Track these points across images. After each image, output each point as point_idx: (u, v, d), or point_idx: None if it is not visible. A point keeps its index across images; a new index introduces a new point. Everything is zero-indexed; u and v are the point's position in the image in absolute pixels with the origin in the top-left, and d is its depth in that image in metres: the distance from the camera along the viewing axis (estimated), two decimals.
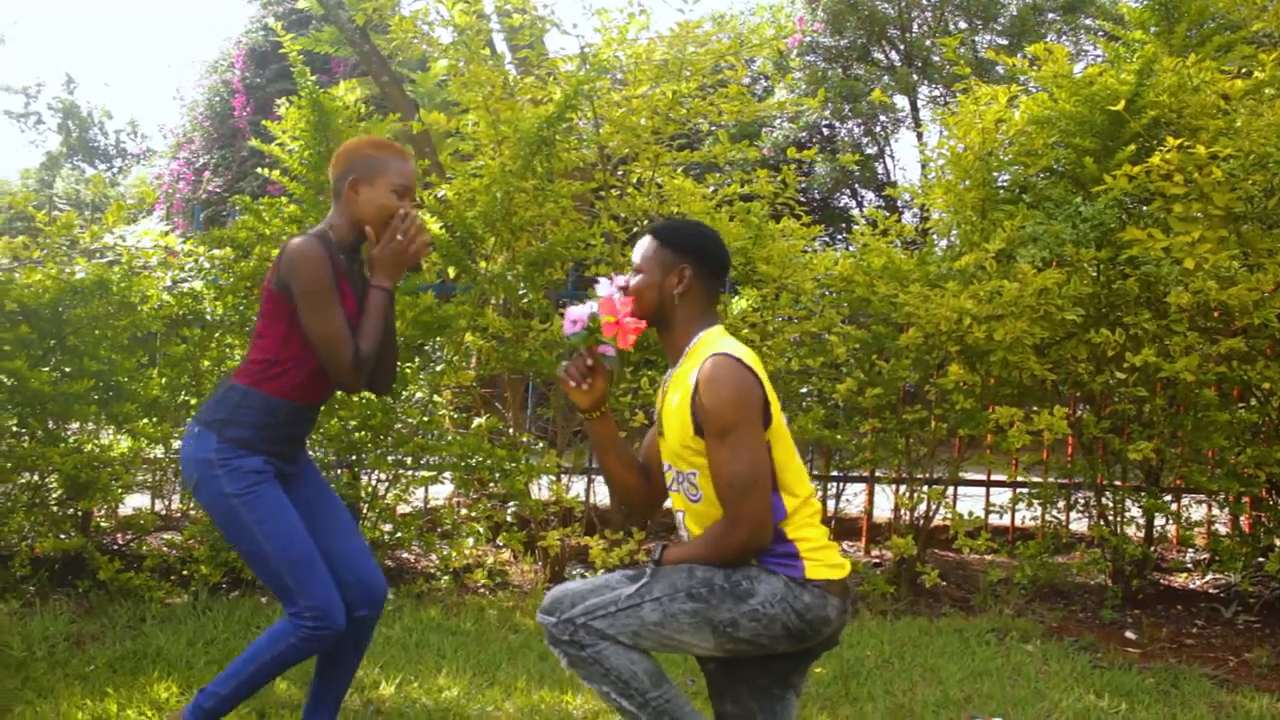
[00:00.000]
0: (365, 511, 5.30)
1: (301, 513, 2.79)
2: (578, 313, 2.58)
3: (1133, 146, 5.22)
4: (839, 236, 15.63)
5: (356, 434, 5.19)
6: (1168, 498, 5.83)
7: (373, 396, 5.24)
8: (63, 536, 4.81)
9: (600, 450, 2.73)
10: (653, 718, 2.44)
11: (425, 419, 5.36)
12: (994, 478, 6.50)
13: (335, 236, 2.77)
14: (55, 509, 4.96)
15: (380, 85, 7.68)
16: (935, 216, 6.18)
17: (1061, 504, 5.87)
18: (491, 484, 5.57)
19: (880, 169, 16.10)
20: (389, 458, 5.25)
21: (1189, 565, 6.09)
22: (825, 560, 2.50)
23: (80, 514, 5.05)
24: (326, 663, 2.90)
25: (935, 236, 6.25)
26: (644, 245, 2.65)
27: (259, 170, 5.53)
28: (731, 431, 2.41)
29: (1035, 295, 5.00)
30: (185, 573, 4.89)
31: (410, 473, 5.37)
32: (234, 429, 2.69)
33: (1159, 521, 5.75)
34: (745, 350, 2.51)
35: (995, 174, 5.78)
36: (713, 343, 2.54)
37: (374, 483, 5.37)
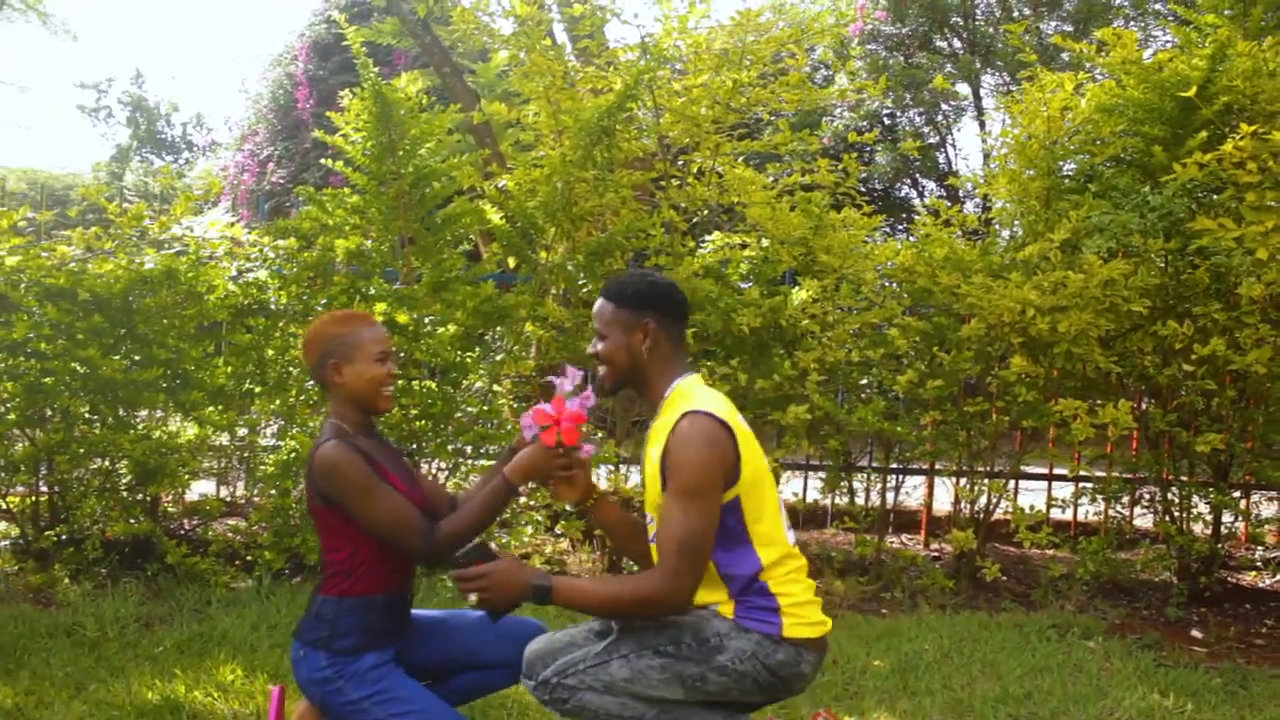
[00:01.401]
0: None
1: (432, 652, 2.77)
2: (528, 420, 2.59)
3: (1204, 134, 5.10)
4: (900, 227, 15.48)
5: (417, 423, 5.25)
6: (1236, 494, 5.70)
7: (432, 385, 5.31)
8: (132, 521, 4.92)
9: (610, 534, 2.73)
10: None
11: (485, 408, 5.40)
12: (1056, 472, 6.41)
13: (347, 424, 2.67)
14: (125, 494, 5.08)
15: (441, 76, 7.75)
16: (998, 206, 6.10)
17: (1126, 499, 5.78)
18: None
19: (942, 158, 15.90)
20: (449, 446, 5.31)
21: (1258, 563, 5.96)
22: (805, 618, 2.46)
23: (149, 499, 5.16)
24: None
25: (998, 227, 6.16)
26: (601, 309, 2.60)
27: (322, 161, 5.62)
28: (693, 494, 2.35)
29: (1101, 286, 4.92)
30: (249, 558, 4.99)
31: (470, 461, 5.42)
32: (341, 640, 2.62)
33: (1227, 518, 5.64)
34: (719, 402, 2.47)
35: (1060, 163, 5.68)
36: (688, 395, 2.49)
37: (434, 471, 5.43)
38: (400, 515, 2.51)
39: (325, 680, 2.59)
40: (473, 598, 2.39)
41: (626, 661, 2.44)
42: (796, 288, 5.53)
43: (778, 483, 5.73)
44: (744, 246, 5.81)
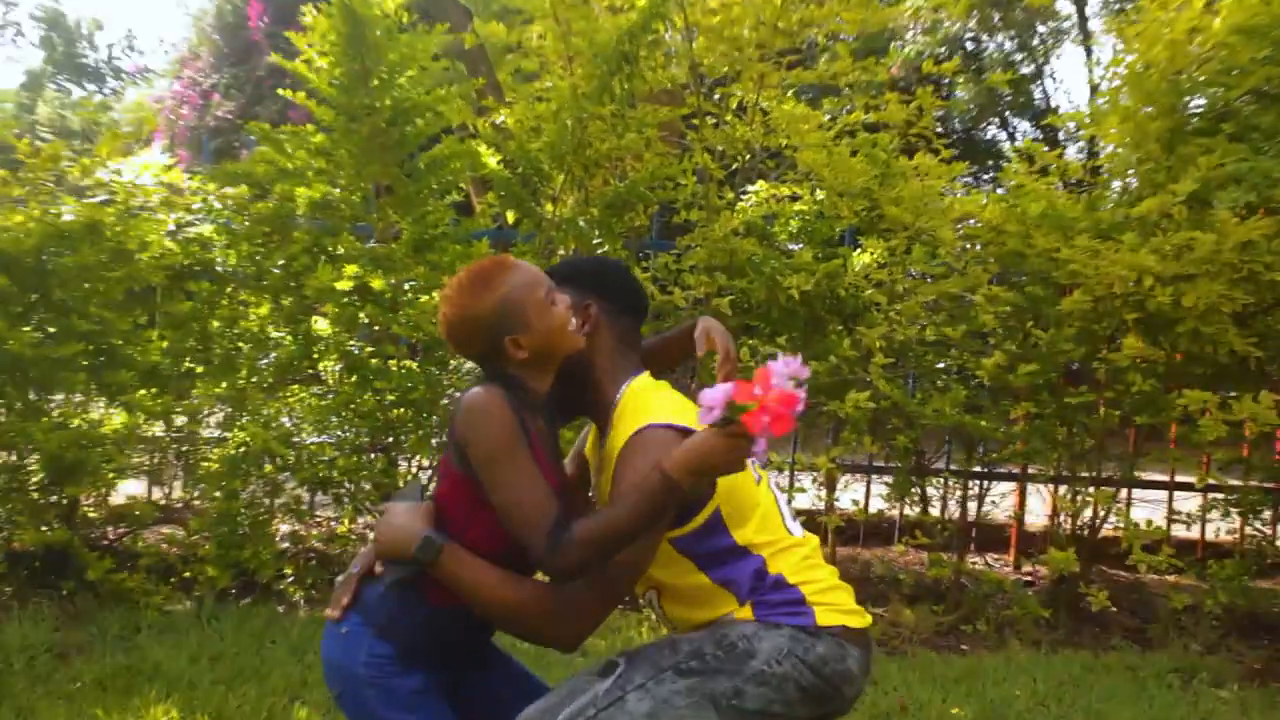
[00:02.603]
0: None
1: (485, 703, 2.75)
2: (715, 398, 2.50)
3: None
4: (986, 176, 15.40)
5: (394, 411, 5.23)
6: None
7: (412, 365, 5.29)
8: (45, 529, 4.92)
9: None
10: None
11: None
12: (1179, 479, 6.35)
13: (527, 387, 2.59)
14: (36, 495, 5.08)
15: None
16: (1108, 151, 6.04)
17: (1267, 514, 5.72)
18: None
19: (1038, 92, 15.79)
20: (432, 440, 5.29)
21: None
22: (839, 604, 2.47)
23: (66, 502, 5.16)
24: None
25: (1108, 176, 6.10)
26: None
27: (279, 92, 5.57)
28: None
29: (1236, 250, 4.85)
30: (188, 575, 4.98)
31: None
32: (390, 640, 2.59)
33: None
34: (677, 405, 2.47)
35: (1186, 98, 5.61)
36: (642, 404, 2.50)
37: (414, 470, 5.41)
38: (537, 501, 2.40)
39: (355, 678, 2.58)
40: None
41: (645, 692, 2.42)
42: (858, 250, 5.48)
43: (834, 489, 5.71)
44: (794, 199, 5.77)
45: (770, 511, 2.53)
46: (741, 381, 2.36)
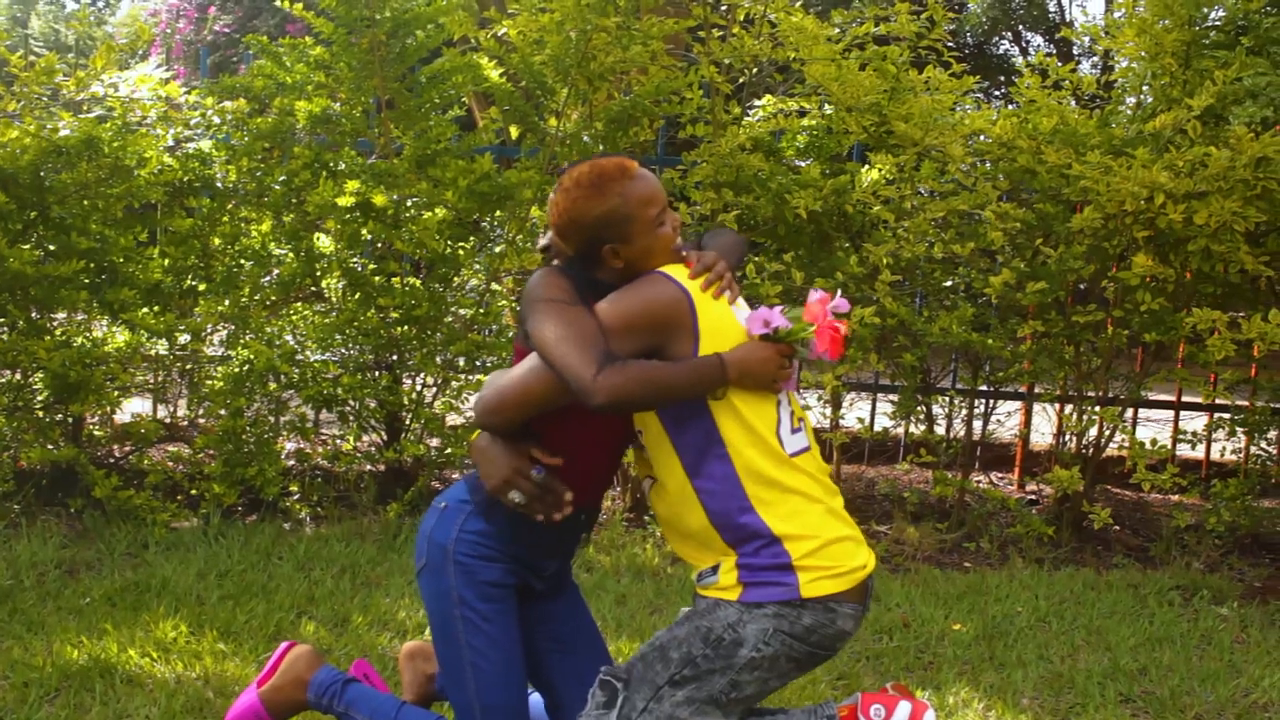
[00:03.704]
0: (409, 423, 5.39)
1: (544, 637, 2.82)
2: (770, 315, 2.52)
3: None
4: (998, 92, 15.25)
5: (398, 328, 5.25)
6: None
7: (416, 282, 5.30)
8: (51, 447, 4.97)
9: None
10: None
11: (481, 311, 5.39)
12: (1186, 399, 6.37)
13: (599, 284, 2.57)
14: (41, 414, 5.12)
15: None
16: (1123, 66, 5.97)
17: (1273, 434, 5.74)
18: None
19: (1052, 5, 15.58)
20: (437, 358, 5.31)
21: None
22: (829, 568, 2.46)
23: (71, 420, 5.20)
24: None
25: (1122, 91, 6.04)
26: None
27: (277, 3, 5.52)
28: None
29: (1251, 167, 4.82)
30: (194, 492, 5.04)
31: (463, 377, 5.43)
32: (478, 519, 2.66)
33: None
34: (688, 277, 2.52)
35: (1205, 9, 5.54)
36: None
37: (419, 388, 5.44)
38: (585, 331, 2.39)
39: (442, 551, 2.66)
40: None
41: (649, 715, 2.48)
42: (866, 166, 5.45)
43: (839, 407, 5.74)
44: (802, 114, 5.72)
45: (769, 414, 2.53)
46: (815, 301, 2.45)
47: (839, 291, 2.61)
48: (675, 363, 2.42)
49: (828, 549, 2.47)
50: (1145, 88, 5.76)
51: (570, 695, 2.79)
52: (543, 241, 2.73)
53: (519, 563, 2.69)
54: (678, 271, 2.51)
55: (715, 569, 2.50)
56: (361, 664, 3.19)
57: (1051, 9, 15.53)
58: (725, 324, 2.51)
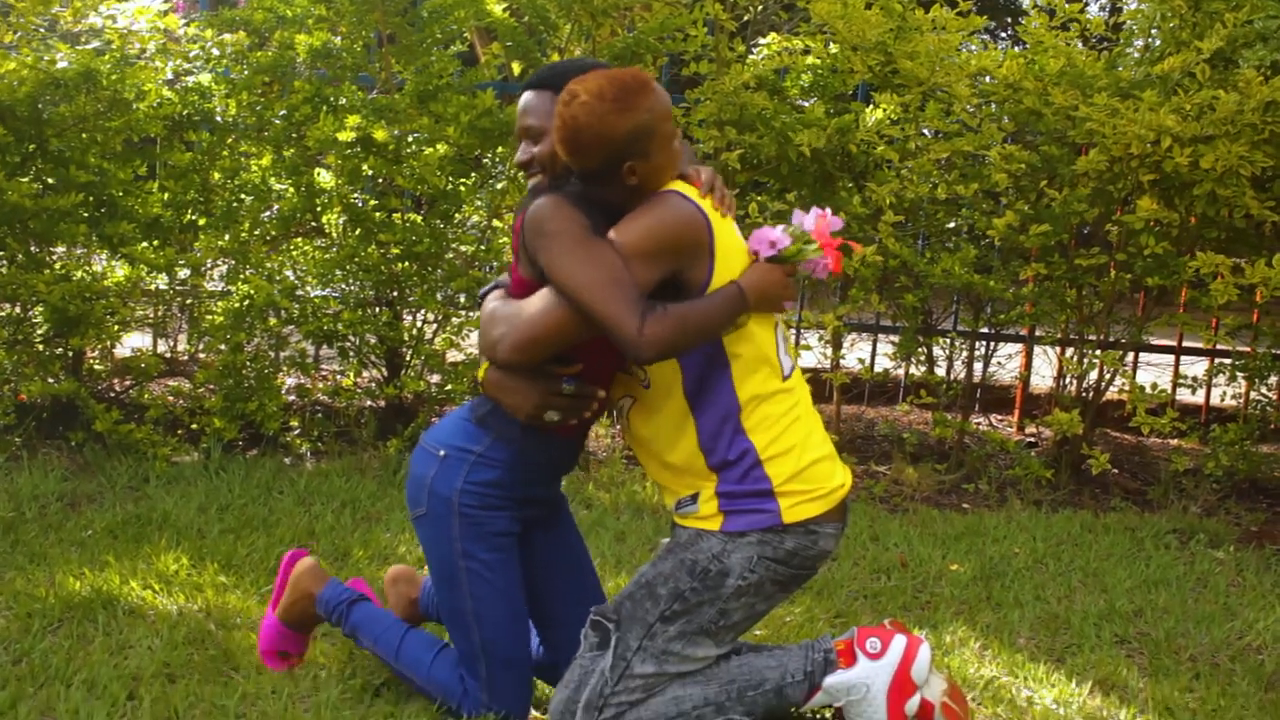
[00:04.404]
0: (409, 359, 5.40)
1: (535, 563, 2.86)
2: (774, 236, 2.51)
3: None
4: (1005, 32, 15.11)
5: (399, 265, 5.24)
6: None
7: (417, 218, 5.28)
8: (51, 380, 4.97)
9: None
10: (737, 706, 2.58)
11: (482, 248, 5.38)
12: (1187, 343, 6.36)
13: (607, 203, 2.53)
14: (41, 347, 5.13)
15: None
16: (1132, 7, 5.92)
17: (1274, 379, 5.74)
18: None
19: None
20: (438, 294, 5.31)
21: None
22: (809, 491, 2.51)
23: (71, 354, 5.21)
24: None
25: (1131, 33, 5.99)
26: (536, 104, 2.63)
27: None
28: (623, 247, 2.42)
29: (1259, 111, 4.79)
30: (195, 426, 5.05)
31: (464, 313, 5.43)
32: (486, 470, 2.67)
33: None
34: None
35: None
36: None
37: (419, 324, 5.44)
38: (618, 277, 2.36)
39: (446, 501, 2.67)
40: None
41: (644, 653, 2.54)
42: (871, 105, 5.41)
43: (840, 347, 5.74)
44: (806, 52, 5.68)
45: (768, 333, 2.56)
46: (820, 216, 2.46)
47: (828, 210, 2.61)
48: (706, 299, 2.41)
49: (807, 471, 2.52)
50: (1154, 30, 5.71)
51: (559, 614, 2.86)
52: (522, 157, 2.66)
53: (522, 503, 2.72)
54: (689, 190, 2.50)
55: (694, 497, 2.53)
56: (358, 583, 3.23)
57: None
58: (734, 244, 2.52)
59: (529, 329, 2.43)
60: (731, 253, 2.49)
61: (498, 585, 2.69)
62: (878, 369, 6.25)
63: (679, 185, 2.53)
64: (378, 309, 5.34)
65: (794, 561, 2.50)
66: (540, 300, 2.44)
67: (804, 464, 2.51)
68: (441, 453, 2.71)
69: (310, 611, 3.05)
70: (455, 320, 5.42)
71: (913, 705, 2.64)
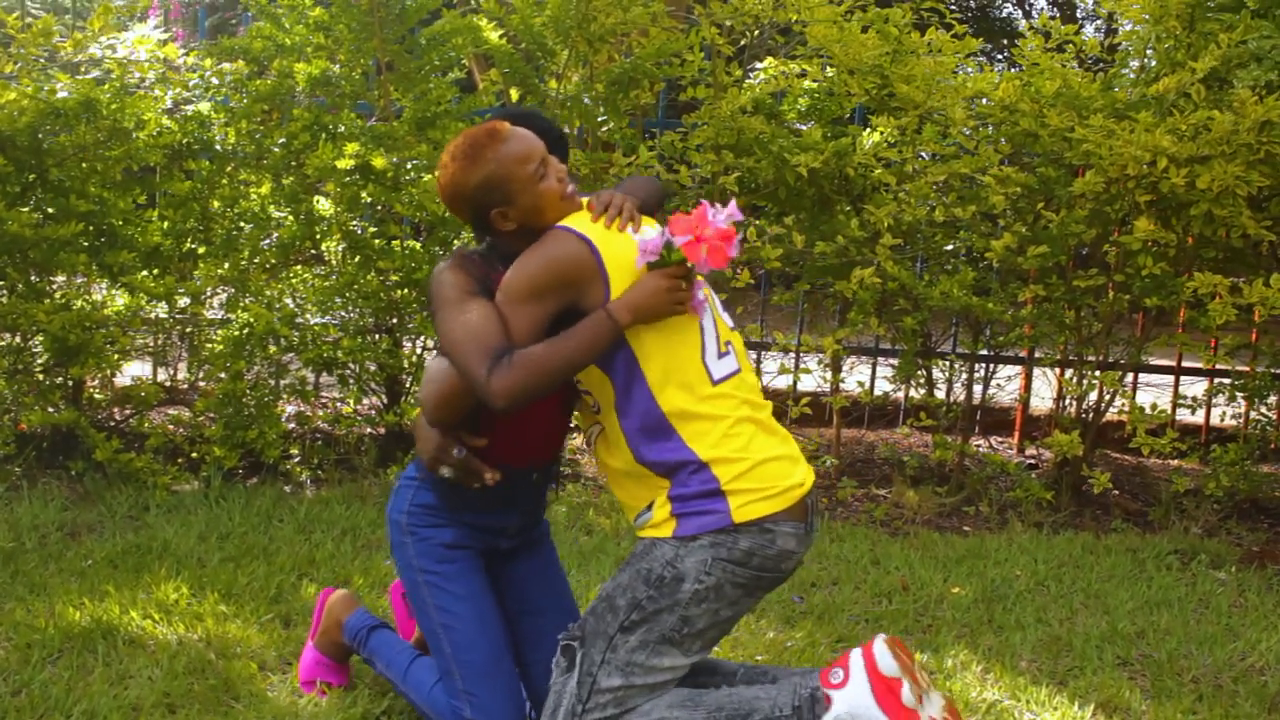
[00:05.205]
0: (409, 386, 5.40)
1: (512, 599, 2.90)
2: (653, 241, 2.51)
3: None
4: (1000, 54, 15.17)
5: (397, 291, 5.24)
6: None
7: (416, 245, 5.29)
8: (51, 410, 4.97)
9: None
10: None
11: None
12: (1186, 363, 6.37)
13: (509, 250, 2.62)
14: (41, 377, 5.13)
15: None
16: (1127, 28, 5.94)
17: (1273, 399, 5.74)
18: None
19: None
20: None
21: None
22: (760, 489, 2.50)
23: (71, 383, 5.21)
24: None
25: (1126, 54, 6.01)
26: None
27: None
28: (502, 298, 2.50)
29: (1254, 131, 4.80)
30: (195, 455, 5.05)
31: None
32: (425, 493, 2.78)
33: None
34: (587, 221, 2.57)
35: None
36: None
37: (419, 351, 5.45)
38: (476, 332, 2.46)
39: (398, 526, 2.80)
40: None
41: (608, 666, 2.53)
42: (868, 129, 5.43)
43: (839, 371, 5.74)
44: (803, 76, 5.70)
45: (691, 342, 2.55)
46: (678, 216, 2.44)
47: (732, 201, 2.61)
48: (567, 333, 2.48)
49: (757, 470, 2.51)
50: (1149, 50, 5.73)
51: (532, 658, 2.86)
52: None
53: (473, 527, 2.78)
54: (577, 220, 2.55)
55: (650, 506, 2.53)
56: (396, 603, 3.35)
57: None
58: (632, 257, 2.53)
59: (435, 388, 2.54)
60: (629, 267, 2.51)
61: (456, 592, 2.74)
62: (877, 392, 6.26)
63: (572, 217, 2.59)
64: (377, 336, 5.35)
65: (752, 563, 2.49)
66: (437, 368, 2.55)
67: (753, 463, 2.50)
68: (398, 484, 2.84)
69: (339, 640, 3.08)
70: None
71: (907, 692, 2.61)
